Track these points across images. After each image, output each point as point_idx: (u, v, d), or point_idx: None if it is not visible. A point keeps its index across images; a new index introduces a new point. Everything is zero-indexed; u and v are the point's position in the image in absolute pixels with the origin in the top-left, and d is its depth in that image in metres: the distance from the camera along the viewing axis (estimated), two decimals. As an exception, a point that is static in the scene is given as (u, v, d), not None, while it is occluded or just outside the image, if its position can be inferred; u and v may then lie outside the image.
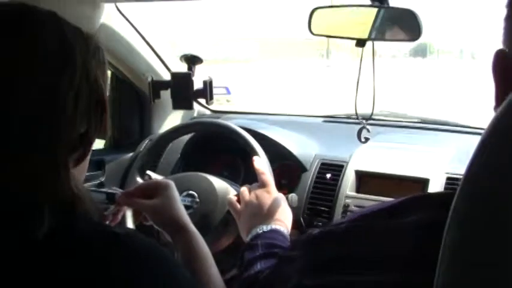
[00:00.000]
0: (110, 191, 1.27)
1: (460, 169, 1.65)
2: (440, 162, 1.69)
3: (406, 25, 1.36)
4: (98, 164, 1.93)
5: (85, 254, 0.66)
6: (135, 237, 0.74)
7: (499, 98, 0.59)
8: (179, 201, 1.19)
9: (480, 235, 0.44)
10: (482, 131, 0.45)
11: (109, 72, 2.07)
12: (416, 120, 2.29)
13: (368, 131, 1.50)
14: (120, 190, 1.29)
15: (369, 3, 1.36)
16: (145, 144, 2.08)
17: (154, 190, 1.19)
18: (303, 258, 0.75)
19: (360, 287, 0.64)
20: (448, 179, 1.63)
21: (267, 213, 1.33)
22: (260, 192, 1.39)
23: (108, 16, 1.74)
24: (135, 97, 2.16)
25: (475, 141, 0.46)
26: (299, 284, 0.73)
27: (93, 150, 0.84)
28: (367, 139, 1.51)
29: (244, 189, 1.43)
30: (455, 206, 0.47)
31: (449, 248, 0.46)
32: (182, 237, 1.12)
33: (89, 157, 0.81)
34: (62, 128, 0.71)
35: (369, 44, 1.38)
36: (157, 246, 0.75)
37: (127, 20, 1.87)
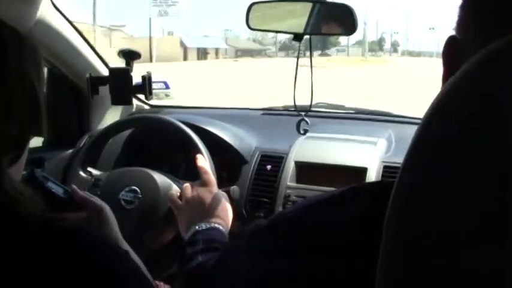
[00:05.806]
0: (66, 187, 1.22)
1: (395, 157, 1.70)
2: (376, 151, 1.74)
3: (342, 20, 1.40)
4: (37, 162, 1.89)
5: (31, 256, 0.65)
6: (90, 231, 0.74)
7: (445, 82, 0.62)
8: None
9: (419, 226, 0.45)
10: (414, 121, 0.47)
11: (45, 69, 2.03)
12: (352, 111, 2.34)
13: (307, 122, 1.54)
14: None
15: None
16: (84, 140, 2.05)
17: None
18: (251, 249, 0.77)
19: (308, 276, 0.66)
20: (385, 167, 1.68)
21: (207, 211, 1.35)
22: (202, 190, 1.42)
23: (44, 12, 1.69)
24: (72, 94, 2.12)
25: (407, 130, 0.47)
26: (247, 274, 0.75)
27: (32, 148, 0.82)
28: (306, 131, 1.55)
29: (187, 186, 1.45)
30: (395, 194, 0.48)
31: (389, 237, 0.48)
32: None
33: (25, 156, 0.79)
34: None
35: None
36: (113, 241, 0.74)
37: (63, 15, 1.83)
